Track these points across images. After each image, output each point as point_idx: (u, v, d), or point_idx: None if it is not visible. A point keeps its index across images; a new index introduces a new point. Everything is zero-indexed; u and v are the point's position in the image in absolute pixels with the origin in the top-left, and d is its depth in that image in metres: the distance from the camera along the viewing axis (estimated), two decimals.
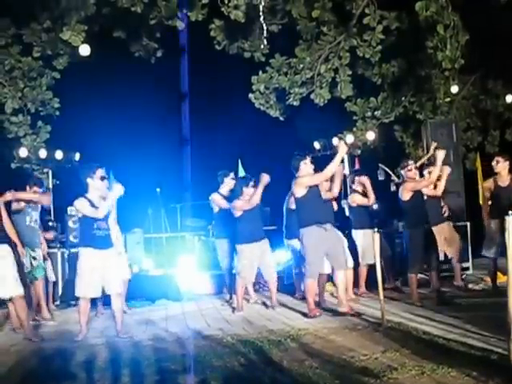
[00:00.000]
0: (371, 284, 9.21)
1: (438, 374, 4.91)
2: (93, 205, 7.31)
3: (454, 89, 13.21)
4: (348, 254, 8.89)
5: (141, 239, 12.13)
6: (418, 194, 8.67)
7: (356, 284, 9.84)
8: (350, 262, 9.19)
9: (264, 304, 9.41)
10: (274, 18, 13.10)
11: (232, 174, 10.02)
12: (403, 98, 14.12)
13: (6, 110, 13.06)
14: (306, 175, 8.17)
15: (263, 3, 12.00)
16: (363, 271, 9.80)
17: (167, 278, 11.00)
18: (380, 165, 10.40)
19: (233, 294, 9.41)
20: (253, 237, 8.86)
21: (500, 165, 9.03)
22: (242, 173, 12.73)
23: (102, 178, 7.49)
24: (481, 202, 9.78)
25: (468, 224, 11.57)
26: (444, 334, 6.33)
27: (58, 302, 10.44)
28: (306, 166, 8.22)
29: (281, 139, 14.72)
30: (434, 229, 8.90)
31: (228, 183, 9.76)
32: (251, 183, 8.95)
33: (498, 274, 9.11)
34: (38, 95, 13.18)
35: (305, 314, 8.18)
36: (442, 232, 9.53)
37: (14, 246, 7.67)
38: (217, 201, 9.64)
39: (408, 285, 8.94)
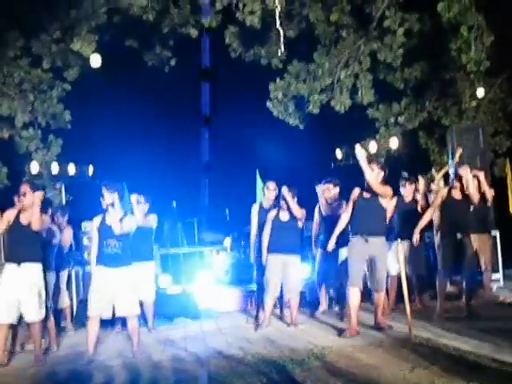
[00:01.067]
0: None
1: None
2: (105, 224, 7.48)
3: (480, 92, 13.17)
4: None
5: (157, 255, 12.19)
6: (449, 200, 8.73)
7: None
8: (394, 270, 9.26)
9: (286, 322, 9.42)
10: (290, 23, 13.16)
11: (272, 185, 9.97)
12: (427, 103, 14.11)
13: (16, 124, 13.11)
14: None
15: (279, 8, 12.07)
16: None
17: (185, 295, 11.00)
18: (403, 172, 10.38)
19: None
20: (277, 248, 8.95)
21: None
22: (260, 184, 12.81)
23: (102, 196, 7.57)
24: (511, 210, 9.72)
25: (498, 233, 11.50)
26: (475, 349, 6.32)
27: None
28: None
29: (301, 148, 14.77)
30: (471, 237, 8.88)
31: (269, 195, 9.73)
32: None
33: None
34: (49, 108, 13.23)
35: (337, 330, 8.20)
36: (477, 241, 9.45)
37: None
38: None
39: (434, 299, 8.94)
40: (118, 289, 7.41)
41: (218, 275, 11.94)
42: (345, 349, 7.04)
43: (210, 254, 12.56)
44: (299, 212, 8.92)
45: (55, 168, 13.09)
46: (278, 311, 9.81)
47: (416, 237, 8.94)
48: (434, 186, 9.90)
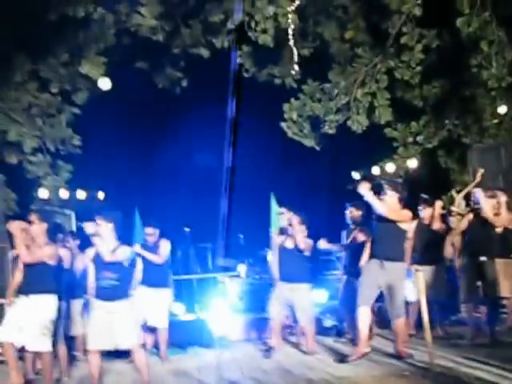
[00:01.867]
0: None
1: None
2: (100, 255, 7.45)
3: (502, 109, 13.13)
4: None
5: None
6: (472, 223, 8.69)
7: None
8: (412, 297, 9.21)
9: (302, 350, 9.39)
10: (304, 42, 13.14)
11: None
12: (447, 121, 14.06)
13: (24, 150, 13.14)
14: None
15: (293, 26, 12.13)
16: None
17: (199, 322, 10.99)
18: (422, 195, 10.34)
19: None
20: (283, 276, 8.94)
21: None
22: (275, 208, 12.80)
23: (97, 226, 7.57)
24: None
25: None
26: (498, 379, 6.26)
27: None
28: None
29: (317, 170, 14.75)
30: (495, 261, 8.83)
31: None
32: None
33: None
34: (58, 133, 13.26)
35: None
36: (501, 265, 9.36)
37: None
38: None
39: (457, 324, 8.88)
40: (117, 323, 7.32)
41: (233, 302, 11.91)
42: (364, 379, 6.99)
43: (224, 281, 12.54)
44: (303, 243, 8.92)
45: (64, 194, 13.18)
46: (294, 339, 9.79)
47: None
48: (454, 208, 9.86)
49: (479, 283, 8.58)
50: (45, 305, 7.65)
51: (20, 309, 7.60)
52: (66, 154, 13.45)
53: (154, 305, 9.30)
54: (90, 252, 7.57)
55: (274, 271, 9.16)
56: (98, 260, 7.46)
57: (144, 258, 9.20)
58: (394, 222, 8.03)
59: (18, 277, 7.84)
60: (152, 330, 9.57)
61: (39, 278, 7.65)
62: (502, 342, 8.43)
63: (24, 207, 12.93)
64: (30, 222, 7.73)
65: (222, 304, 11.55)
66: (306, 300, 9.11)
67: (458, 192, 10.21)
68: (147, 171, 14.45)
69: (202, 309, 11.69)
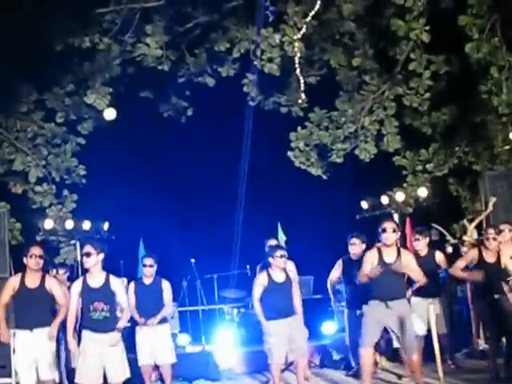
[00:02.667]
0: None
1: None
2: (88, 286, 7.26)
3: None
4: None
5: (175, 313, 12.04)
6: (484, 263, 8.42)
7: None
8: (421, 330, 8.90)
9: None
10: (311, 69, 13.10)
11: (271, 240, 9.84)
12: (457, 149, 13.84)
13: (29, 180, 13.19)
14: None
15: (299, 54, 12.05)
16: None
17: (205, 354, 10.79)
18: (433, 225, 10.13)
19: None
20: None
21: None
22: (282, 237, 12.60)
23: (87, 255, 7.34)
24: None
25: None
26: None
27: None
28: None
29: (324, 199, 14.55)
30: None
31: None
32: (277, 253, 8.73)
33: None
34: (63, 163, 13.29)
35: None
36: None
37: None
38: None
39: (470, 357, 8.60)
40: (108, 354, 7.19)
41: (239, 334, 11.71)
42: None
43: (230, 312, 12.35)
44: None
45: (70, 224, 13.10)
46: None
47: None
48: (466, 238, 9.61)
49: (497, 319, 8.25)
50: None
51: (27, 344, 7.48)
52: (71, 183, 13.44)
53: (156, 342, 9.09)
54: (77, 284, 7.37)
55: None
56: (87, 292, 7.27)
57: (139, 296, 9.02)
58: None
59: None
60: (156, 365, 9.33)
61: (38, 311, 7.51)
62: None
63: (29, 237, 12.84)
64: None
65: (228, 336, 11.37)
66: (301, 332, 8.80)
67: (470, 221, 9.91)
68: (153, 201, 14.32)
69: (208, 340, 11.49)
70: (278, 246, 9.13)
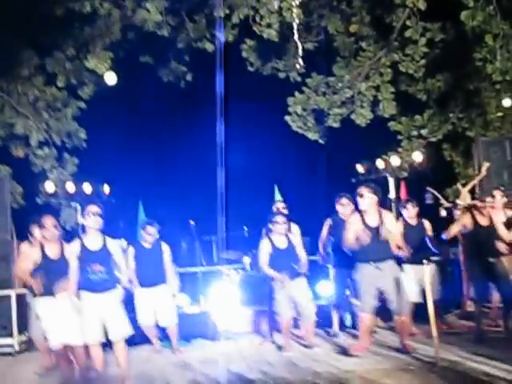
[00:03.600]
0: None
1: None
2: (86, 249, 7.28)
3: (507, 102, 13.01)
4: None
5: (175, 275, 12.10)
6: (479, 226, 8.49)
7: None
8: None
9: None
10: (309, 36, 13.08)
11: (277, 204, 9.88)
12: (451, 115, 13.94)
13: (30, 143, 13.18)
14: None
15: (297, 20, 12.01)
16: None
17: (203, 315, 10.89)
18: (428, 188, 10.21)
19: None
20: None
21: None
22: (279, 199, 12.65)
23: (94, 215, 7.37)
24: None
25: None
26: (505, 374, 6.11)
27: None
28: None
29: (320, 163, 14.62)
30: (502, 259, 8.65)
31: None
32: (277, 218, 8.82)
33: None
34: (64, 126, 13.26)
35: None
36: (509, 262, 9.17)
37: None
38: None
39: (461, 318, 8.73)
40: (108, 312, 7.24)
41: (237, 295, 11.80)
42: (371, 373, 6.84)
43: (228, 273, 12.43)
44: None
45: (71, 187, 13.10)
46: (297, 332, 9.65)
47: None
48: (460, 201, 9.68)
49: (489, 282, 8.36)
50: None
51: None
52: (72, 147, 13.43)
53: (158, 304, 9.23)
54: (75, 245, 7.36)
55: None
56: (85, 253, 7.26)
57: (140, 262, 9.15)
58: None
59: None
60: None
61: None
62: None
63: (30, 200, 12.88)
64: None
65: (227, 296, 11.45)
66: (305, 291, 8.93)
67: (464, 185, 9.98)
68: (152, 164, 14.37)
69: (206, 301, 11.58)
70: (279, 212, 9.15)
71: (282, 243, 8.78)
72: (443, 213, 9.63)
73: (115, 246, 7.50)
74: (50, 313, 7.47)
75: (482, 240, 8.36)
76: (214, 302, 11.32)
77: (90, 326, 7.23)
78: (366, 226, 7.83)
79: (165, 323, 9.32)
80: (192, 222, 12.57)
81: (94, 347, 7.30)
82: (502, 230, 8.38)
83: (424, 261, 7.54)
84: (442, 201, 9.92)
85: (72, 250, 7.35)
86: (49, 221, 7.59)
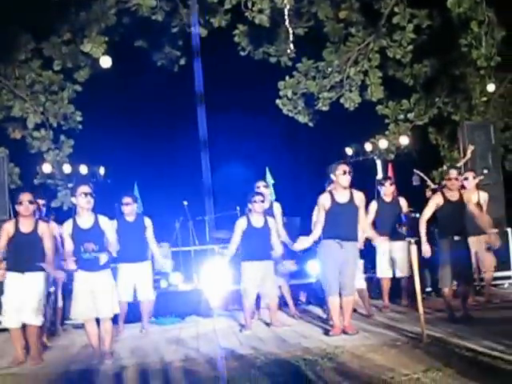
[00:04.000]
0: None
1: None
2: (78, 228, 7.28)
3: (491, 87, 13.05)
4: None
5: (168, 253, 12.15)
6: (449, 202, 8.50)
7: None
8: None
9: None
10: (299, 21, 13.11)
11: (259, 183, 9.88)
12: (437, 99, 14.02)
13: (27, 125, 13.23)
14: None
15: (288, 6, 12.02)
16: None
17: (196, 293, 10.94)
18: (415, 170, 10.27)
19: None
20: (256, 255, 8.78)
21: None
22: (270, 181, 12.70)
23: (85, 195, 7.37)
24: None
25: (509, 230, 11.30)
26: (488, 350, 6.18)
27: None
28: None
29: (310, 146, 14.65)
30: (470, 240, 8.72)
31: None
32: (255, 198, 8.80)
33: None
34: (60, 109, 13.32)
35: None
36: (475, 243, 9.23)
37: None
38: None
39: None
40: (98, 293, 7.25)
41: (229, 273, 11.84)
42: (358, 348, 6.90)
43: (220, 252, 12.46)
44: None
45: (67, 168, 13.16)
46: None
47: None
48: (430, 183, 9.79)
49: (455, 262, 8.37)
50: (39, 281, 7.54)
51: (16, 287, 7.47)
52: (68, 129, 13.46)
53: (137, 280, 9.15)
54: (68, 225, 7.35)
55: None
56: (78, 232, 7.26)
57: (122, 236, 8.83)
58: (351, 203, 7.84)
59: None
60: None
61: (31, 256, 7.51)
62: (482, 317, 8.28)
63: (27, 181, 12.89)
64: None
65: (219, 274, 11.48)
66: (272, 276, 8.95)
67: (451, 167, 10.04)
68: (147, 146, 14.34)
69: (199, 279, 11.62)
70: (257, 193, 9.11)
71: (258, 222, 8.79)
72: (429, 193, 9.64)
73: (107, 223, 7.48)
74: (16, 289, 7.46)
75: (453, 215, 8.40)
76: (207, 279, 11.37)
77: (83, 303, 7.26)
78: (336, 202, 7.83)
79: (141, 298, 9.23)
80: (185, 203, 12.60)
81: (88, 323, 7.37)
82: (472, 208, 8.41)
83: (409, 239, 7.59)
84: (429, 182, 9.99)
85: (65, 228, 7.36)
86: (25, 197, 7.52)
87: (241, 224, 8.82)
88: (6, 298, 7.52)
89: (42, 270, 7.53)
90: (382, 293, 9.74)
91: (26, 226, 7.51)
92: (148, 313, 9.36)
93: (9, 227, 7.54)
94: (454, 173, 8.69)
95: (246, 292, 8.79)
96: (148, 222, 9.34)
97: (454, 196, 8.38)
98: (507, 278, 10.96)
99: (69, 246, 7.31)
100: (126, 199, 9.17)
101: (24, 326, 7.51)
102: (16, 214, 8.25)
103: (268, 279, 8.78)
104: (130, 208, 9.17)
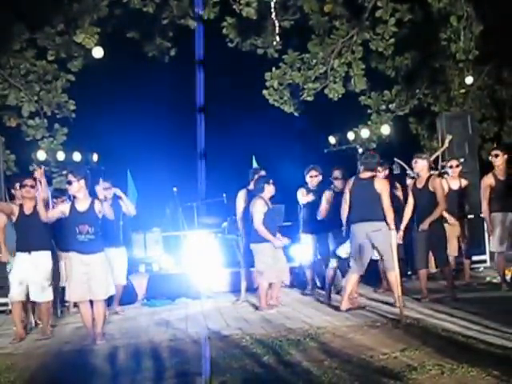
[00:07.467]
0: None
1: (458, 374, 4.85)
2: (75, 210, 7.31)
3: (469, 80, 13.13)
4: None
5: (159, 238, 12.17)
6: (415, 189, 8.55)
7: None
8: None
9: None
10: (285, 14, 13.05)
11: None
12: (417, 91, 14.10)
13: (22, 114, 13.20)
14: None
15: (275, 0, 11.99)
16: None
17: (186, 276, 10.95)
18: (395, 159, 10.27)
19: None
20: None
21: (499, 158, 8.85)
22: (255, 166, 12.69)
23: (69, 183, 7.36)
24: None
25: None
26: (463, 330, 6.24)
27: None
28: None
29: (295, 135, 14.65)
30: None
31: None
32: (271, 180, 8.86)
33: None
34: (54, 98, 13.29)
35: (330, 310, 8.23)
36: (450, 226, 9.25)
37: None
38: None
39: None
40: (92, 275, 7.25)
41: (217, 257, 11.85)
42: (339, 329, 6.96)
43: (208, 237, 12.46)
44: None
45: (61, 155, 13.16)
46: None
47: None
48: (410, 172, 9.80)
49: (430, 245, 8.41)
50: (46, 259, 7.78)
51: (24, 265, 7.68)
52: (62, 117, 13.44)
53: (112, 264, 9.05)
54: (65, 208, 7.42)
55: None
56: (74, 214, 7.30)
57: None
58: (369, 182, 8.05)
59: None
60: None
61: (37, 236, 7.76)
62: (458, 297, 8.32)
63: (22, 168, 12.85)
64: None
65: (207, 258, 11.51)
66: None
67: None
68: (139, 134, 14.28)
69: (189, 263, 11.63)
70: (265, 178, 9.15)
71: (270, 204, 8.87)
72: (409, 181, 9.65)
73: (102, 205, 7.50)
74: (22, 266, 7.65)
75: (418, 203, 8.45)
76: (196, 263, 11.38)
77: (78, 285, 7.28)
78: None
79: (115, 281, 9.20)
80: (175, 189, 12.59)
81: (84, 304, 7.37)
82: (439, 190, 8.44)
83: (391, 226, 7.63)
84: (408, 170, 9.99)
85: (63, 208, 7.46)
86: (28, 181, 7.77)
87: (262, 207, 8.73)
88: (13, 274, 7.74)
89: (48, 248, 7.78)
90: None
91: (28, 207, 7.75)
92: (118, 296, 9.20)
93: (13, 208, 7.84)
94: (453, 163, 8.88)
95: (264, 272, 8.77)
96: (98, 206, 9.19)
97: (420, 183, 8.49)
98: (483, 261, 11.03)
99: (53, 211, 7.59)
100: (105, 184, 9.06)
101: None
102: (12, 199, 8.35)
103: (280, 257, 8.87)
104: (108, 193, 8.83)
